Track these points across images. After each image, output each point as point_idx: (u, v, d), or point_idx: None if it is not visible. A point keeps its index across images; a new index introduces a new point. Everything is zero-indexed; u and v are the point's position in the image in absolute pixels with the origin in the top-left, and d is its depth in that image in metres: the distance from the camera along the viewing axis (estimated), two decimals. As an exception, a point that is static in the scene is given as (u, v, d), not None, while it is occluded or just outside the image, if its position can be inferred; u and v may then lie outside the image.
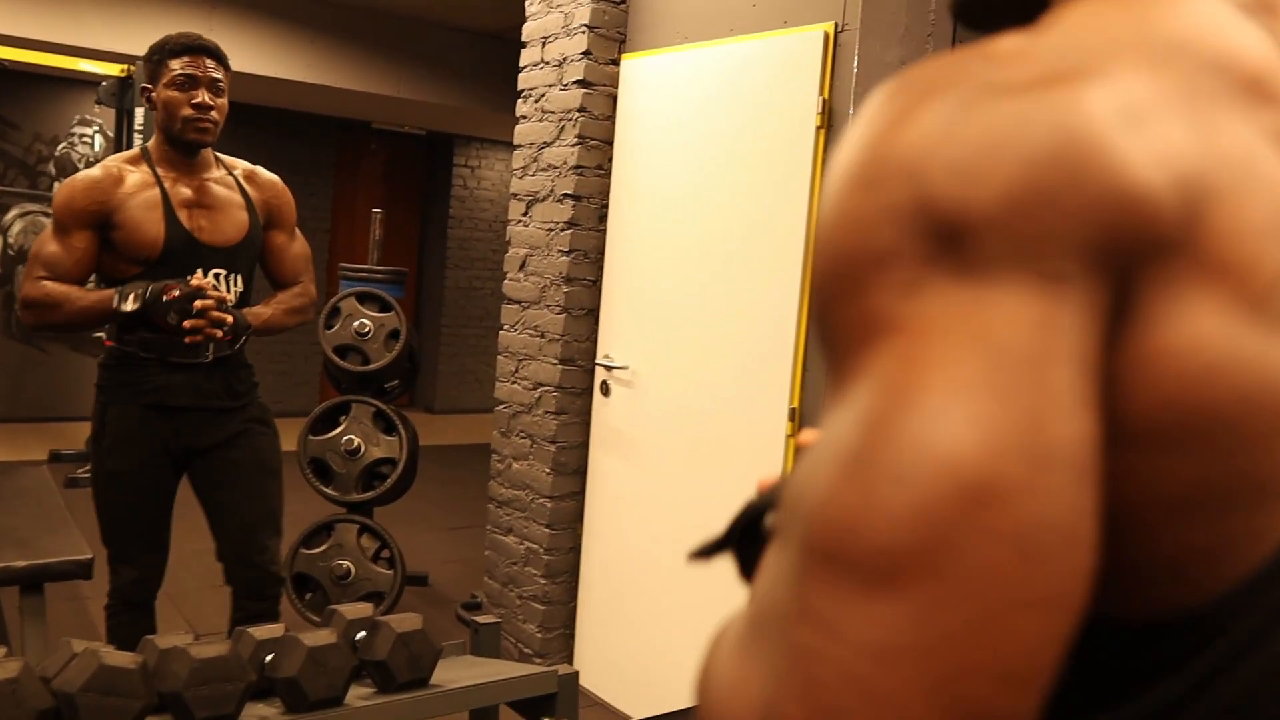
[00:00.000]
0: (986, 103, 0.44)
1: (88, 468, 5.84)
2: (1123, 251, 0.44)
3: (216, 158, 2.69)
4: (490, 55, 6.91)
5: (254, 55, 6.32)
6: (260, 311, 2.69)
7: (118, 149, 5.97)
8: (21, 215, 7.42)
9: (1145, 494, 0.46)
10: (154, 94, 2.56)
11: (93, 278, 2.60)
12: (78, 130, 7.51)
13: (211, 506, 2.74)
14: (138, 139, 5.58)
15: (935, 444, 0.41)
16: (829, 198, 0.48)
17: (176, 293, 2.42)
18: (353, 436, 3.75)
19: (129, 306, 2.42)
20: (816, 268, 0.49)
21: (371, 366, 3.78)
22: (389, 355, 3.80)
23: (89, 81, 6.71)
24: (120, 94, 5.82)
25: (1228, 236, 0.45)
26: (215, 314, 2.45)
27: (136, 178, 2.53)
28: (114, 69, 5.82)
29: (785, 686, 0.43)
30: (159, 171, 2.55)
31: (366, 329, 3.80)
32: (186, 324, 2.41)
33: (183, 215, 2.54)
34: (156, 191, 2.52)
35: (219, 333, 2.47)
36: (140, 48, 6.07)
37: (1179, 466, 0.46)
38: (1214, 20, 0.51)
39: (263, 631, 2.01)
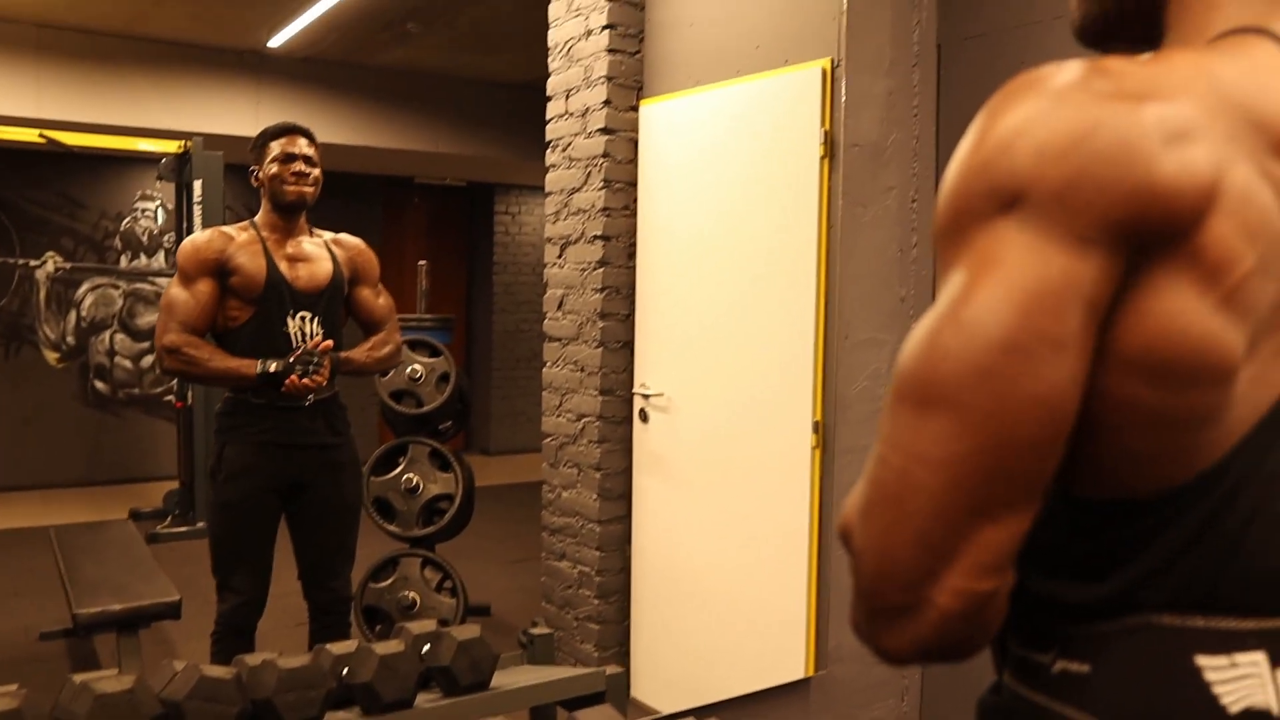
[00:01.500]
0: (1081, 105, 0.67)
1: (167, 523, 6.18)
2: (1140, 235, 0.66)
3: (310, 228, 3.12)
4: (522, 106, 7.22)
5: (301, 123, 6.67)
6: (351, 357, 3.08)
7: (178, 220, 6.34)
8: (92, 289, 7.83)
9: (1123, 406, 0.70)
10: (259, 172, 3.00)
11: None
12: (140, 205, 7.94)
13: (298, 535, 3.10)
14: (197, 210, 5.93)
15: (978, 326, 0.67)
16: (956, 158, 0.72)
17: (298, 353, 2.90)
18: (412, 475, 3.99)
19: (273, 367, 2.85)
20: (938, 206, 0.73)
21: (425, 408, 4.04)
22: (441, 397, 4.05)
23: (149, 159, 7.12)
24: (179, 169, 6.18)
25: (1217, 243, 0.67)
26: (317, 379, 2.91)
27: (244, 237, 2.98)
28: (171, 146, 6.19)
29: (864, 484, 0.72)
30: (263, 234, 3.00)
31: (418, 374, 4.05)
32: (301, 382, 2.86)
33: (280, 263, 2.97)
34: (260, 245, 2.96)
35: (323, 381, 2.92)
36: (194, 125, 6.47)
37: (1147, 393, 0.69)
38: (1272, 91, 0.73)
39: (339, 647, 2.24)
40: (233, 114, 6.62)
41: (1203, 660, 0.73)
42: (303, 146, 2.99)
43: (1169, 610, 0.74)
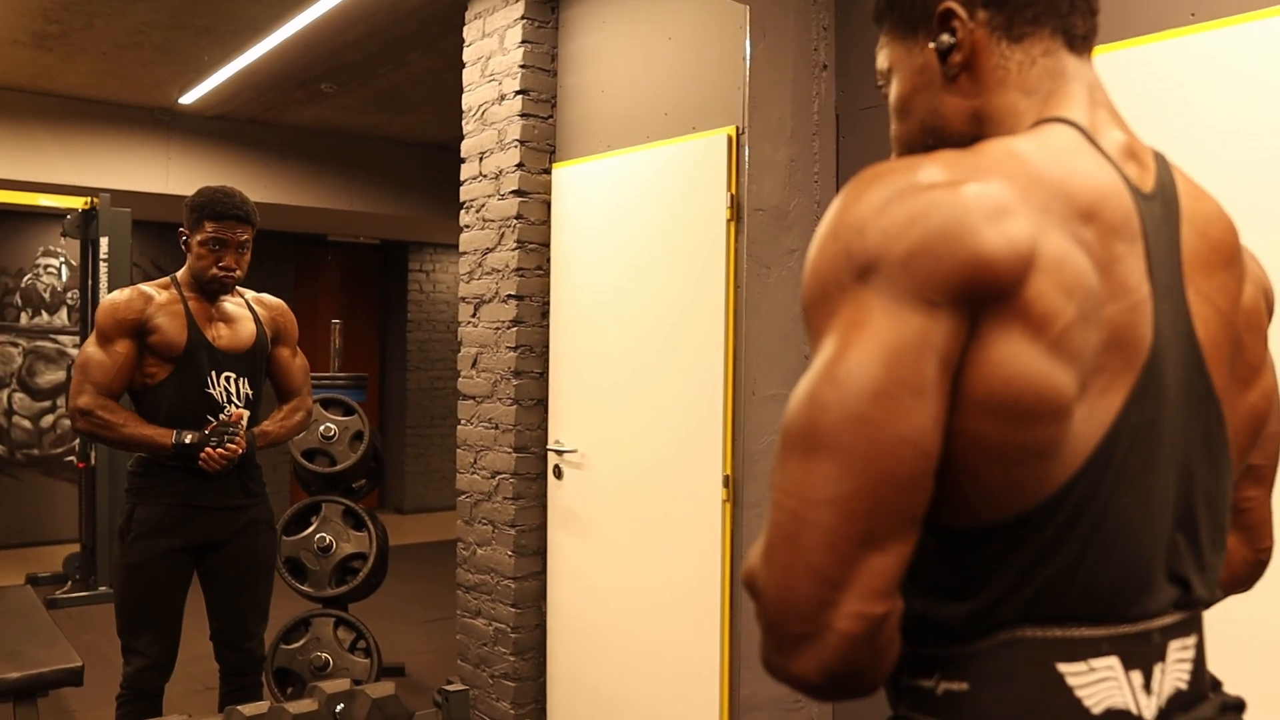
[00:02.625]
0: (917, 191, 0.80)
1: (68, 588, 5.99)
2: (975, 296, 0.78)
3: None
4: (437, 165, 7.27)
5: (211, 180, 6.60)
6: (266, 431, 3.09)
7: (83, 278, 6.23)
8: (-10, 348, 7.62)
9: (976, 443, 0.81)
10: (189, 239, 2.97)
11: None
12: (43, 262, 7.77)
13: (211, 594, 3.07)
14: (104, 267, 5.84)
15: (851, 380, 0.78)
16: (816, 241, 0.84)
17: (215, 425, 2.90)
18: (324, 534, 3.96)
19: (189, 439, 2.84)
20: (805, 282, 0.85)
21: (338, 467, 4.02)
22: (354, 456, 4.04)
23: (53, 215, 6.99)
24: (84, 225, 6.08)
25: (1040, 298, 0.79)
26: (232, 448, 2.91)
27: (164, 296, 2.96)
28: (77, 202, 6.10)
29: (764, 532, 0.80)
30: (184, 293, 2.99)
31: (332, 432, 4.04)
32: (217, 453, 2.86)
33: (202, 325, 2.96)
34: (181, 306, 2.95)
35: (240, 449, 2.92)
36: (101, 181, 6.38)
37: (994, 430, 0.80)
38: (1075, 168, 0.87)
39: (251, 709, 2.24)
40: (142, 171, 6.55)
41: (1064, 667, 0.83)
42: (239, 234, 2.96)
43: (1029, 624, 0.83)
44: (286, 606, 4.13)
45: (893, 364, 0.77)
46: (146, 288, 2.99)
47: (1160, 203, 0.91)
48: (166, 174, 6.60)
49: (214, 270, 2.94)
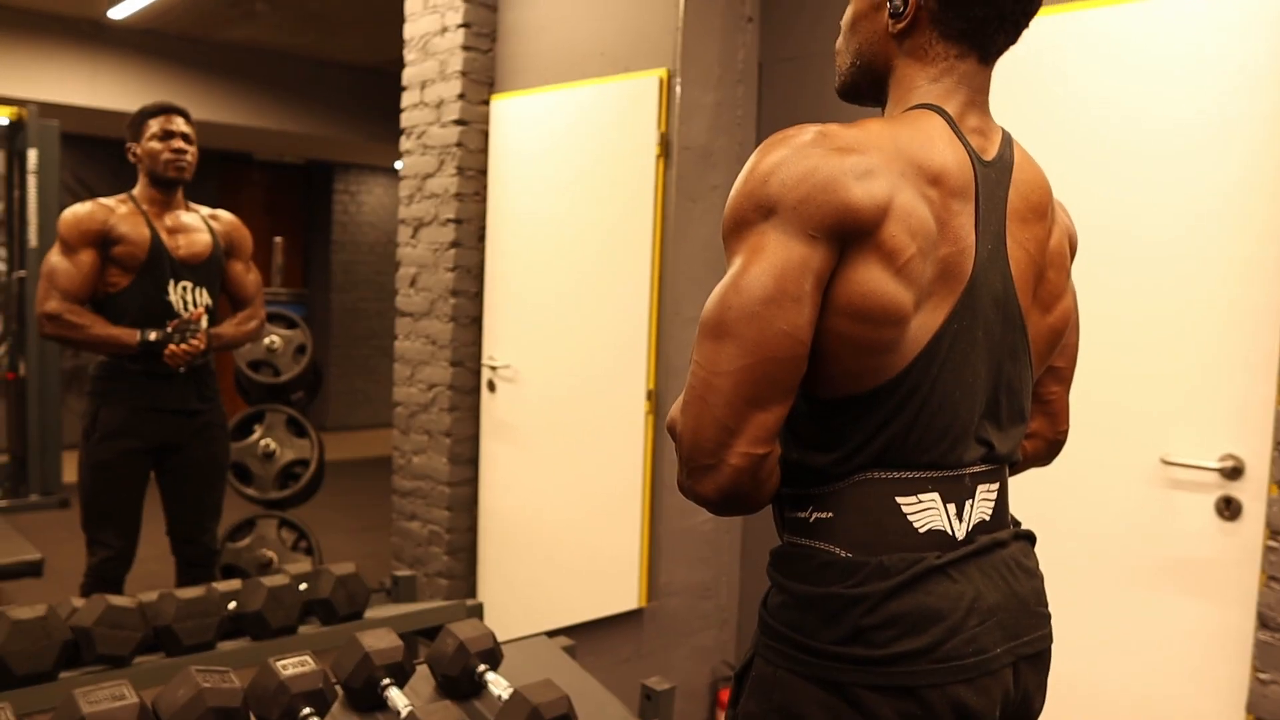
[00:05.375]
0: (808, 155, 1.10)
1: None
2: (844, 233, 1.08)
3: (187, 203, 3.32)
4: (366, 87, 7.37)
5: (136, 95, 6.63)
6: (220, 333, 3.31)
7: (9, 190, 6.22)
8: (-92, 258, 7.54)
9: (841, 338, 1.12)
10: (137, 148, 3.18)
11: None
12: (-38, 173, 7.67)
13: (168, 492, 3.32)
14: (31, 180, 5.87)
15: (749, 289, 1.09)
16: (736, 186, 1.14)
17: (177, 323, 3.13)
18: (269, 441, 4.20)
19: (153, 336, 3.07)
20: (725, 216, 1.14)
21: (283, 378, 4.24)
22: (297, 368, 4.27)
23: (-27, 125, 6.91)
24: (11, 137, 6.07)
25: (891, 238, 1.09)
26: (194, 344, 3.14)
27: (124, 209, 3.16)
28: (5, 112, 6.08)
29: (683, 394, 1.13)
30: (142, 206, 3.19)
31: (276, 345, 4.26)
32: (180, 349, 3.09)
33: (162, 234, 3.17)
34: (141, 216, 3.16)
35: (200, 346, 3.14)
36: (29, 92, 6.38)
37: (852, 329, 1.11)
38: (932, 145, 1.16)
39: (226, 585, 2.49)
40: (67, 83, 6.54)
41: (900, 499, 1.17)
42: (180, 125, 3.19)
43: (876, 469, 1.16)
44: (231, 509, 4.35)
45: (780, 278, 1.07)
46: (105, 201, 3.17)
47: (996, 170, 1.22)
48: (93, 87, 6.59)
49: (166, 154, 3.16)
